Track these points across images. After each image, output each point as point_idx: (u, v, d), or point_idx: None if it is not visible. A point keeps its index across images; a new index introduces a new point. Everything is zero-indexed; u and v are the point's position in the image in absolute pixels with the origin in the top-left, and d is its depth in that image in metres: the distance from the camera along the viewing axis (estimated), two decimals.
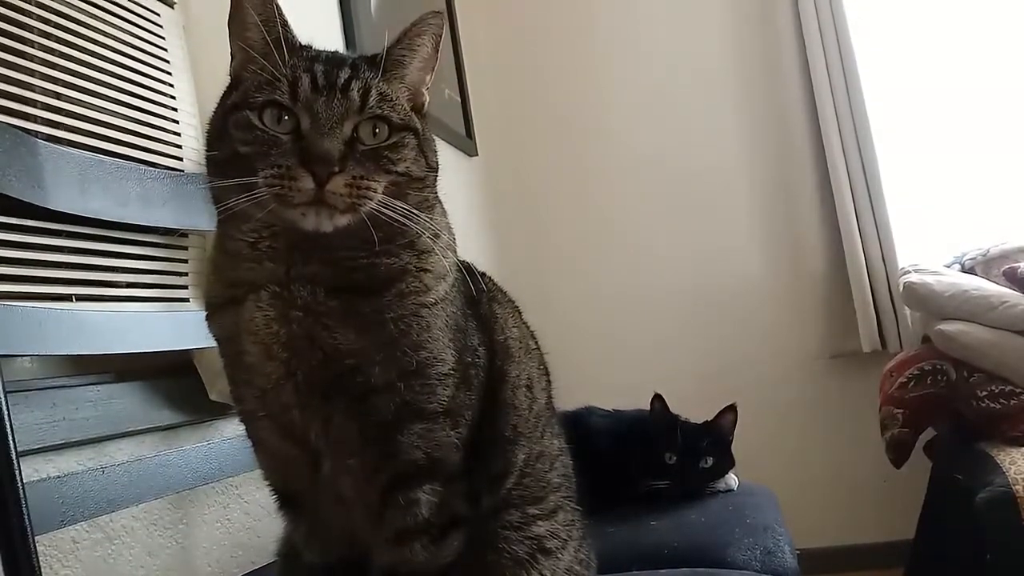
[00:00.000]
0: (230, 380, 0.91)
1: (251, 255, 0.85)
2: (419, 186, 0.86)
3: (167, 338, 1.32)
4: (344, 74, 0.83)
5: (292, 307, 0.82)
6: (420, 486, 0.85)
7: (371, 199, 0.80)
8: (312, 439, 0.86)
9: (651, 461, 1.90)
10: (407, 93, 0.89)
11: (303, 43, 0.89)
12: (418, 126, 0.87)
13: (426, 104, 0.92)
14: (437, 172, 0.90)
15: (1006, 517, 1.85)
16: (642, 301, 3.14)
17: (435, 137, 0.93)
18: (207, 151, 0.86)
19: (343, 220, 0.80)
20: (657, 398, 2.01)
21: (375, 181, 0.80)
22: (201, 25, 1.59)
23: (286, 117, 0.81)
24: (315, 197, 0.78)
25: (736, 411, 2.02)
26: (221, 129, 0.84)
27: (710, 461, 1.91)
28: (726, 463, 1.96)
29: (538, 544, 0.96)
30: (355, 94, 0.82)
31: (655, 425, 1.98)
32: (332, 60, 0.86)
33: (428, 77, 0.92)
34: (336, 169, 0.78)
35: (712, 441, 1.95)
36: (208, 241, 1.50)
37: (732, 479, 1.95)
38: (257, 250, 0.85)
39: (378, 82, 0.85)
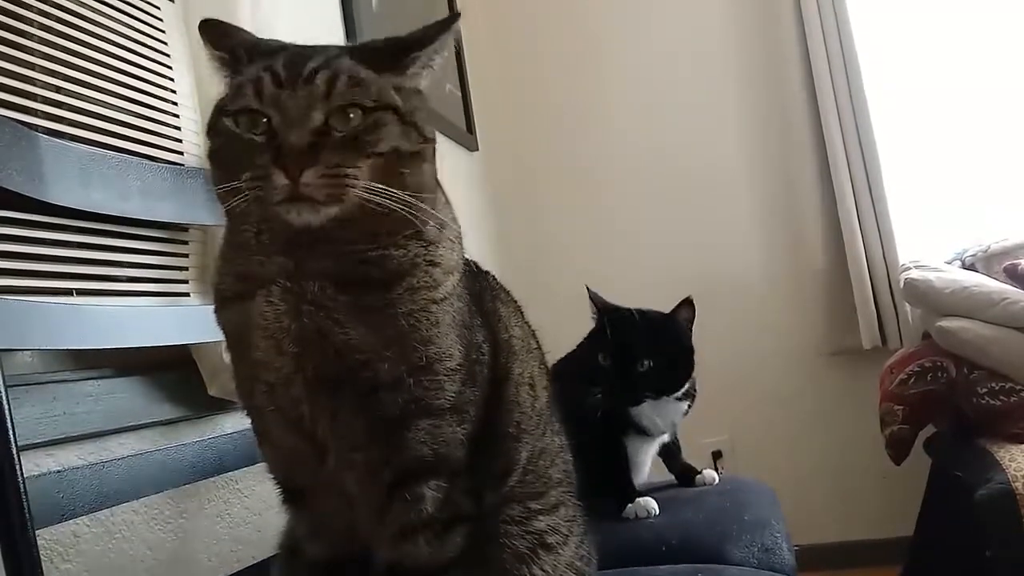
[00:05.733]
0: (237, 374, 0.91)
1: (259, 248, 0.85)
2: (415, 162, 0.84)
3: (168, 332, 1.32)
4: (312, 64, 0.82)
5: (302, 301, 0.82)
6: (426, 482, 0.85)
7: (352, 186, 0.78)
8: (319, 434, 0.86)
9: (591, 366, 1.71)
10: (415, 84, 0.88)
11: (282, 42, 0.89)
12: (396, 102, 0.83)
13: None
14: (433, 141, 0.87)
15: (1006, 514, 1.85)
16: (642, 296, 3.13)
17: (431, 112, 0.90)
18: (206, 150, 0.87)
19: (330, 211, 0.79)
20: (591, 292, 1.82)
21: (354, 167, 0.78)
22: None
23: (263, 119, 0.80)
24: (291, 193, 0.77)
25: (693, 305, 1.75)
26: (211, 134, 0.85)
27: (648, 364, 1.68)
28: (675, 371, 1.71)
29: (539, 539, 0.96)
30: (320, 82, 0.80)
31: (597, 319, 1.77)
32: (300, 53, 0.85)
33: None
34: (307, 161, 0.77)
35: (653, 339, 1.69)
36: (209, 235, 1.51)
37: (710, 473, 1.85)
38: (263, 244, 0.84)
39: (350, 68, 0.83)
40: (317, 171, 0.77)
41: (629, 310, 1.78)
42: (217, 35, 0.90)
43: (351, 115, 0.80)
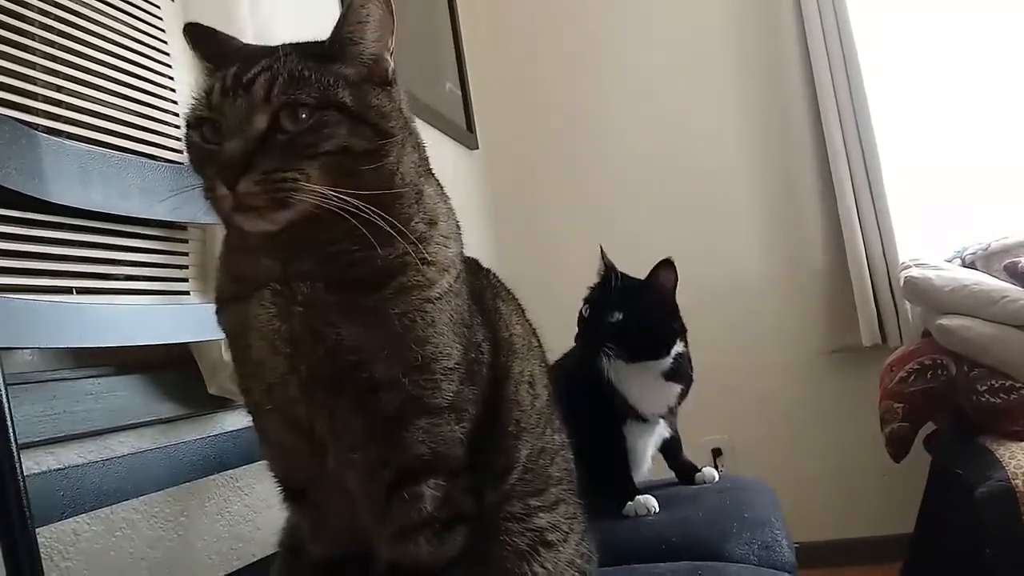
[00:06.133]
0: (238, 373, 0.91)
1: (246, 248, 0.86)
2: (372, 159, 0.81)
3: (167, 331, 1.32)
4: (256, 68, 0.81)
5: (293, 303, 0.82)
6: (424, 481, 0.85)
7: (297, 189, 0.76)
8: (317, 433, 0.86)
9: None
10: (364, 71, 0.85)
11: (260, 47, 0.89)
12: (343, 100, 0.81)
13: (390, 70, 0.88)
14: (396, 137, 0.84)
15: (1005, 512, 1.85)
16: None
17: (404, 105, 0.88)
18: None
19: (281, 216, 0.78)
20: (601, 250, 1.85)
21: (295, 170, 0.77)
22: (202, 18, 1.58)
23: (218, 127, 0.81)
24: (233, 202, 0.77)
25: (673, 266, 1.75)
26: (186, 145, 0.86)
27: (618, 316, 1.71)
28: (649, 332, 1.71)
29: (539, 536, 0.96)
30: (259, 86, 0.79)
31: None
32: (251, 57, 0.84)
33: (389, 41, 0.87)
34: (241, 170, 0.76)
35: (629, 295, 1.73)
36: (208, 234, 1.51)
37: (710, 471, 1.86)
38: (252, 246, 0.85)
39: (294, 67, 0.81)
40: (252, 178, 0.76)
41: (618, 271, 1.81)
42: (202, 42, 0.90)
43: (302, 115, 0.79)
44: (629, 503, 1.64)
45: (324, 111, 0.80)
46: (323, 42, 0.86)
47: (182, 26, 0.93)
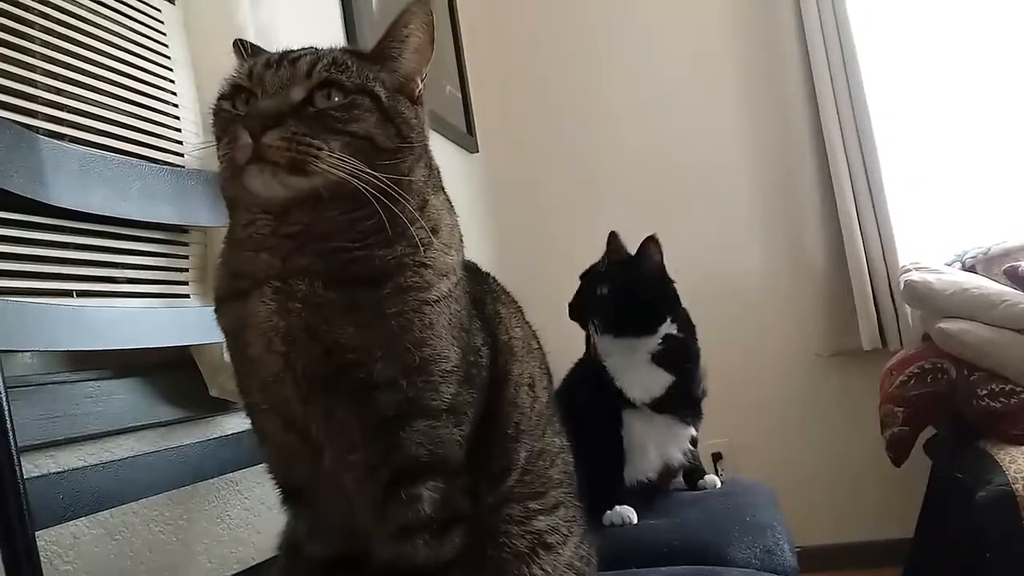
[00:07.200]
0: (235, 372, 0.92)
1: (248, 242, 0.86)
2: (389, 158, 0.84)
3: (168, 334, 1.32)
4: (302, 51, 0.88)
5: (291, 300, 0.83)
6: (423, 482, 0.85)
7: (318, 157, 0.79)
8: (313, 433, 0.86)
9: None
10: (397, 82, 0.90)
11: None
12: (378, 92, 0.86)
13: (418, 92, 0.92)
14: (415, 148, 0.88)
15: (1006, 516, 1.85)
16: None
17: (430, 127, 0.93)
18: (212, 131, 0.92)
19: (294, 181, 0.80)
20: (613, 235, 1.91)
21: (320, 139, 0.80)
22: (202, 22, 1.58)
23: (251, 96, 0.85)
24: (254, 152, 0.79)
25: (656, 242, 1.82)
26: (213, 116, 0.90)
27: (604, 290, 1.80)
28: (634, 306, 1.76)
29: (539, 539, 0.96)
30: (304, 62, 0.85)
31: None
32: (295, 50, 0.89)
33: (424, 68, 0.93)
34: (271, 123, 0.79)
35: (615, 270, 1.82)
36: (209, 237, 1.51)
37: (712, 478, 1.88)
38: (254, 238, 0.86)
39: (338, 55, 0.87)
40: (280, 132, 0.79)
41: (613, 257, 1.87)
42: (243, 53, 0.96)
43: (335, 97, 0.83)
44: (608, 512, 1.64)
45: (358, 95, 0.84)
46: (365, 51, 0.92)
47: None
